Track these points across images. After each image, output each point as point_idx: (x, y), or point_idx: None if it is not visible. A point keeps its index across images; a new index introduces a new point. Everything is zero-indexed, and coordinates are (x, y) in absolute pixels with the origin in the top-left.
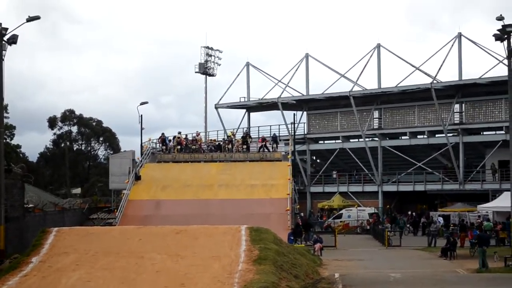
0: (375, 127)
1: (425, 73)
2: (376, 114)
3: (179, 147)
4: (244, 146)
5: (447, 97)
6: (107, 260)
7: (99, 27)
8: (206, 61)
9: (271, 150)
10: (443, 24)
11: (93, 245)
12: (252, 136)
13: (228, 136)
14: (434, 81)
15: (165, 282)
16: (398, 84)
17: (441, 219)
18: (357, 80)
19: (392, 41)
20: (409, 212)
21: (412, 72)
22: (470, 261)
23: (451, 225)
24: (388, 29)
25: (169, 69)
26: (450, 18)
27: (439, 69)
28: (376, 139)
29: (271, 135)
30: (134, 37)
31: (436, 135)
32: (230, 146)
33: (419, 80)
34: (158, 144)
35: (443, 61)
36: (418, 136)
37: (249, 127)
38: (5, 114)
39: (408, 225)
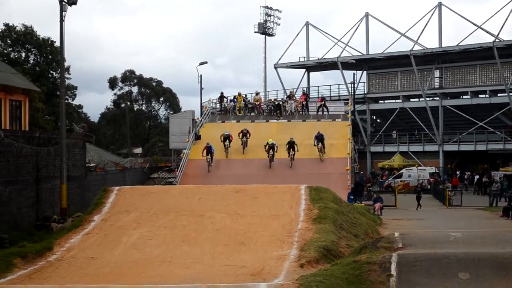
0: (436, 86)
1: (487, 32)
2: (437, 73)
3: (236, 111)
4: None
5: (510, 56)
6: (168, 219)
7: None
8: (265, 21)
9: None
10: None
11: (153, 204)
12: (311, 96)
13: (281, 100)
14: (496, 40)
15: (224, 241)
16: (460, 43)
17: None
18: (417, 39)
19: None
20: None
21: (474, 31)
22: None
23: None
24: None
25: (226, 29)
26: None
27: (502, 27)
28: (437, 98)
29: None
30: None
31: (498, 94)
32: (290, 108)
33: (481, 39)
34: (217, 104)
35: (506, 19)
36: (480, 96)
37: (308, 87)
38: (66, 75)
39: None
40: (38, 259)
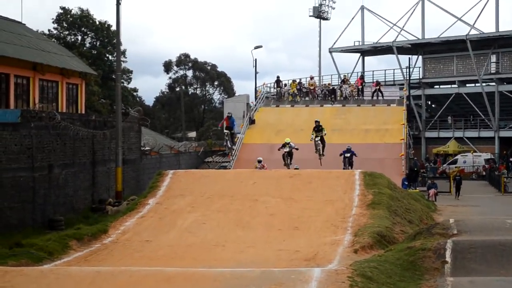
0: (492, 71)
1: None
2: (493, 58)
3: (289, 96)
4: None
5: None
6: (222, 203)
7: None
8: (321, 4)
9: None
10: None
11: (208, 188)
12: (366, 81)
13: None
14: None
15: (278, 225)
16: None
17: None
18: (474, 24)
19: None
20: None
21: None
22: None
23: None
24: None
25: (280, 13)
26: None
27: None
28: (493, 83)
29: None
30: None
31: None
32: (345, 93)
33: None
34: (271, 89)
35: None
36: None
37: (363, 71)
38: (122, 58)
39: None
40: (93, 241)
